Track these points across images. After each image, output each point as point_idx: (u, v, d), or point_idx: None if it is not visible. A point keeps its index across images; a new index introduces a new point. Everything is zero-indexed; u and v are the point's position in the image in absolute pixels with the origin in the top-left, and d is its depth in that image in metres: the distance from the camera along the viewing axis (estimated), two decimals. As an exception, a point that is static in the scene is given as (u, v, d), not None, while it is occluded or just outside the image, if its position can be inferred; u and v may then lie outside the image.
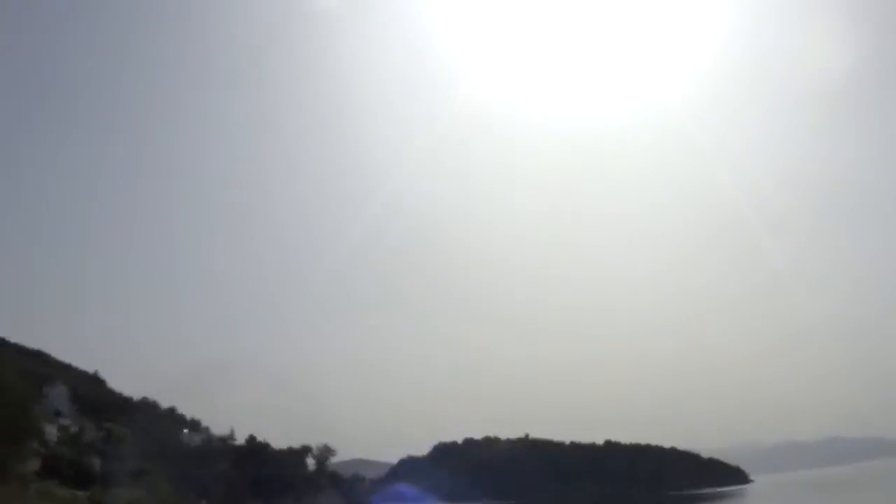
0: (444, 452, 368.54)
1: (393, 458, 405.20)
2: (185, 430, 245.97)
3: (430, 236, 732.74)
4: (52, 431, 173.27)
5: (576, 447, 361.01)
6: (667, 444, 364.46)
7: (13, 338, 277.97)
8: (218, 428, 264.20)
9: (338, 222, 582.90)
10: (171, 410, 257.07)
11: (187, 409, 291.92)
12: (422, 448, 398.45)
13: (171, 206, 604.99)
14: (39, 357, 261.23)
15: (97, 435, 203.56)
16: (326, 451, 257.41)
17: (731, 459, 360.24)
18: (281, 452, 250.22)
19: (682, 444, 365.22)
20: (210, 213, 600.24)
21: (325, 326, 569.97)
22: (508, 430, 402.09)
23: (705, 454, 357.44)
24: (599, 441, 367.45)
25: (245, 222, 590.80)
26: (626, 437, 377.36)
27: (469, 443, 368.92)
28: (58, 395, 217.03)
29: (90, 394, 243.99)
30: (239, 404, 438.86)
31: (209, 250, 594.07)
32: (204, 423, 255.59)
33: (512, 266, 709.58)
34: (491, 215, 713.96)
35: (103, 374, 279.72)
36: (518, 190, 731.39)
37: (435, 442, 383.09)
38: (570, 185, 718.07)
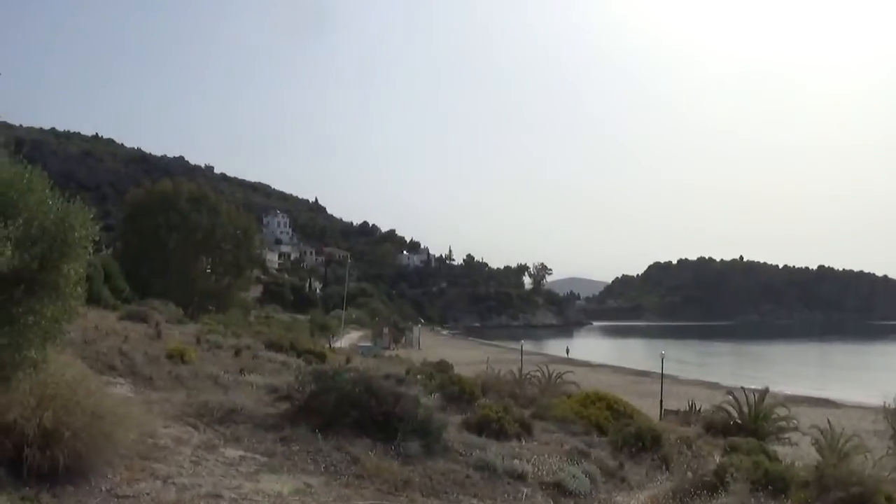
0: (658, 272, 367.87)
1: (608, 276, 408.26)
2: (405, 252, 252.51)
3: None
4: (273, 259, 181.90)
5: (788, 271, 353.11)
6: (879, 272, 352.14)
7: (235, 172, 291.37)
8: (437, 249, 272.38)
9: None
10: (391, 233, 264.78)
11: (406, 232, 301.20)
12: (636, 267, 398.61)
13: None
14: (260, 189, 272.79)
15: (317, 260, 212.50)
16: (542, 270, 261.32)
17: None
18: (498, 271, 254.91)
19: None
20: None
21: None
22: (723, 252, 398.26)
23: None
24: (813, 265, 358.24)
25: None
26: (839, 262, 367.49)
27: (683, 263, 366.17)
28: (278, 223, 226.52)
29: (310, 221, 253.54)
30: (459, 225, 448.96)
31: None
32: (423, 245, 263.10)
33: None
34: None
35: (323, 202, 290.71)
36: None
37: (650, 262, 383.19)
38: None
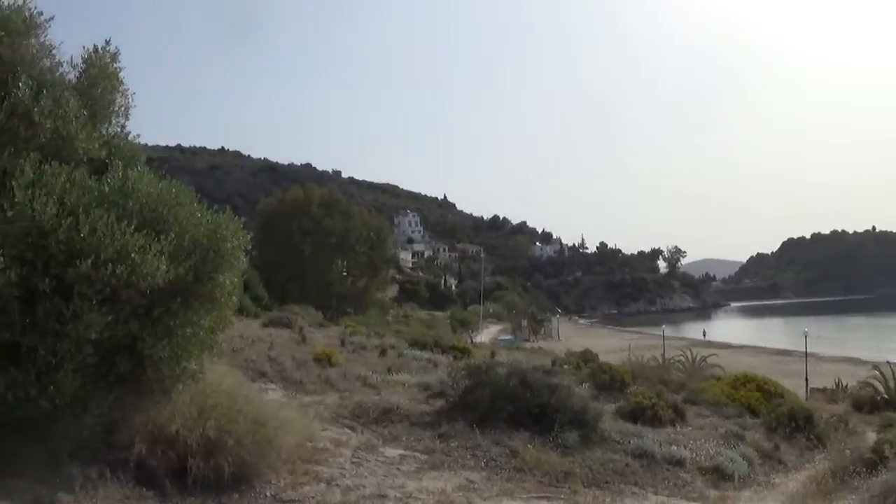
0: (792, 248, 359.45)
1: (742, 256, 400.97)
2: (537, 243, 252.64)
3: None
4: (406, 258, 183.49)
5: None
6: None
7: (362, 175, 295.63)
8: (568, 238, 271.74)
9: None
10: (522, 225, 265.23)
11: (537, 223, 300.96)
12: (770, 245, 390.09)
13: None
14: (389, 190, 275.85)
15: (450, 256, 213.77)
16: (676, 253, 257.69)
17: None
18: (632, 257, 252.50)
19: None
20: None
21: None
22: (855, 224, 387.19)
23: None
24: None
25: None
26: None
27: (816, 237, 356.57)
28: (409, 222, 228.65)
29: (441, 218, 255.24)
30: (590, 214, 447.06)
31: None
32: (555, 235, 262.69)
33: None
34: None
35: (452, 199, 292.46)
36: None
37: (783, 238, 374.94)
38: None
